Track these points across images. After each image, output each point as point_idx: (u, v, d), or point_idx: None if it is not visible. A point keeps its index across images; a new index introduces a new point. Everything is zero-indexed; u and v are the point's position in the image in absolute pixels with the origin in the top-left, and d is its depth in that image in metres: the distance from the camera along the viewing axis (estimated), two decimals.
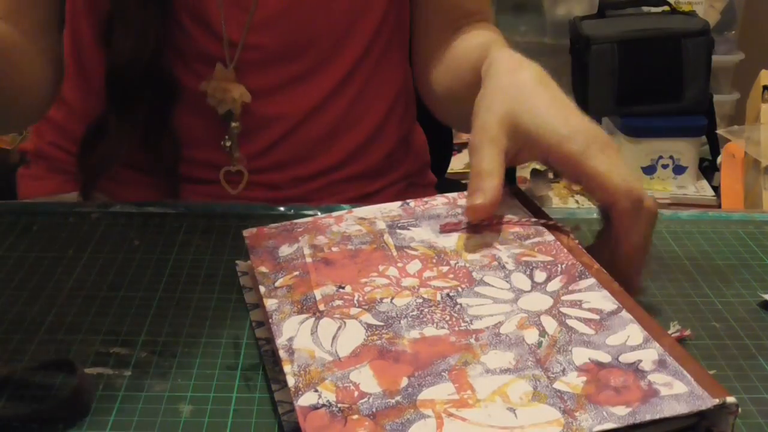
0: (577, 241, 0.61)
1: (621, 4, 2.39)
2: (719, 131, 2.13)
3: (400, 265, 0.60)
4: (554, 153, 0.62)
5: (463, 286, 0.57)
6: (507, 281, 0.58)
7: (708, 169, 2.37)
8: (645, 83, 2.24)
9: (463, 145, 2.33)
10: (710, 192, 2.30)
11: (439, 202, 0.68)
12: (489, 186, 0.61)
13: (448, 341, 0.52)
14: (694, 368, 0.48)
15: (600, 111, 2.32)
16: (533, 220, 0.64)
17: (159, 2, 0.81)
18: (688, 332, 0.58)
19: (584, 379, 0.48)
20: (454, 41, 0.86)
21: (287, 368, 0.51)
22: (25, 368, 0.54)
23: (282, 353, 0.53)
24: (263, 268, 0.61)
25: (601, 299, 0.55)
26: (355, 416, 0.46)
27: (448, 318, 0.54)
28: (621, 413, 0.45)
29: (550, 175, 2.21)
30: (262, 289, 0.59)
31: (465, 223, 0.64)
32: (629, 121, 2.29)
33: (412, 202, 0.68)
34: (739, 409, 0.46)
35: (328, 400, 0.48)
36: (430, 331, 0.53)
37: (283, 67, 0.86)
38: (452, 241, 0.63)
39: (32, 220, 0.76)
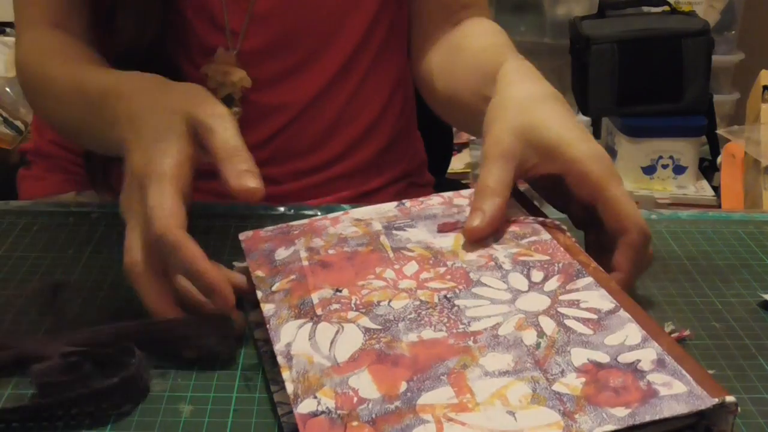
0: (573, 239, 0.61)
1: (621, 4, 2.39)
2: (719, 131, 2.13)
3: (396, 266, 0.60)
4: (576, 169, 0.61)
5: (461, 287, 0.57)
6: (504, 281, 0.57)
7: (708, 169, 2.37)
8: (645, 83, 2.24)
9: (464, 145, 2.33)
10: (710, 192, 2.30)
11: (435, 201, 0.68)
12: (489, 207, 0.61)
13: (447, 344, 0.52)
14: (693, 368, 0.48)
15: (600, 111, 2.32)
16: (530, 218, 0.63)
17: None
18: (687, 332, 0.58)
19: (583, 380, 0.48)
20: (456, 37, 0.86)
21: (286, 374, 0.51)
22: (77, 352, 0.54)
23: (280, 359, 0.52)
24: (260, 272, 0.61)
25: (599, 298, 0.55)
26: (355, 422, 0.46)
27: (446, 320, 0.54)
28: (620, 414, 0.45)
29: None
30: (259, 293, 0.59)
31: (462, 223, 0.64)
32: (629, 121, 2.29)
33: (407, 202, 0.68)
34: (739, 409, 0.45)
35: (327, 407, 0.48)
36: (428, 333, 0.53)
37: (282, 56, 0.87)
38: (449, 241, 0.62)
39: (32, 220, 0.76)
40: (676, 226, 0.77)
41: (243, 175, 0.59)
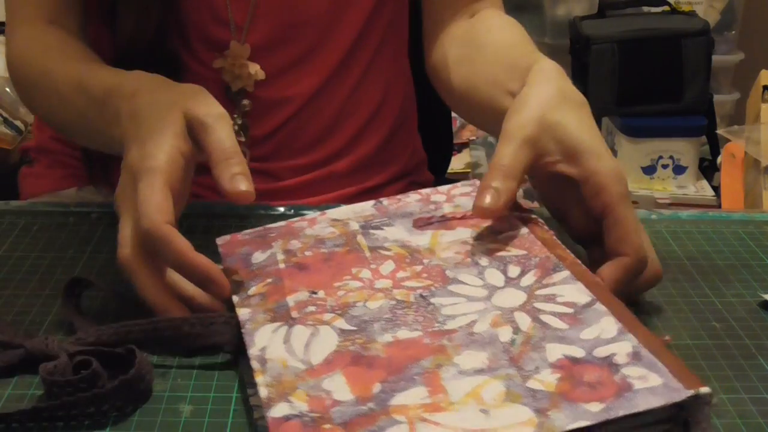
0: (551, 233, 0.61)
1: (621, 4, 2.39)
2: (719, 131, 2.13)
3: (373, 266, 0.60)
4: (596, 181, 0.60)
5: (437, 285, 0.57)
6: (480, 278, 0.57)
7: (708, 169, 2.37)
8: (645, 83, 2.24)
9: (464, 145, 2.33)
10: (710, 192, 2.30)
11: (412, 199, 0.67)
12: (504, 188, 0.60)
13: (422, 343, 0.52)
14: (669, 359, 0.47)
15: (600, 111, 2.32)
16: (508, 213, 0.63)
17: None
18: (667, 337, 0.57)
19: (558, 375, 0.47)
20: (475, 30, 0.85)
21: (259, 379, 0.51)
22: (85, 351, 0.54)
23: (254, 363, 0.52)
24: (237, 277, 0.61)
25: (576, 292, 0.54)
26: (328, 425, 0.46)
27: (421, 319, 0.54)
28: (595, 410, 0.45)
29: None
30: (235, 298, 0.59)
31: (437, 219, 0.63)
32: (629, 121, 2.29)
33: (385, 201, 0.68)
34: (714, 399, 0.45)
35: (300, 410, 0.48)
36: (403, 333, 0.53)
37: (283, 49, 0.87)
38: (426, 239, 0.62)
39: (32, 220, 0.76)
40: (676, 226, 0.77)
41: (236, 177, 0.59)
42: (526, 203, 0.64)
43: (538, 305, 0.54)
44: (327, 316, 0.55)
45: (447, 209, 0.66)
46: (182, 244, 0.57)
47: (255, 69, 0.86)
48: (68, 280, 0.61)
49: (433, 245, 0.61)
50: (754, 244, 0.74)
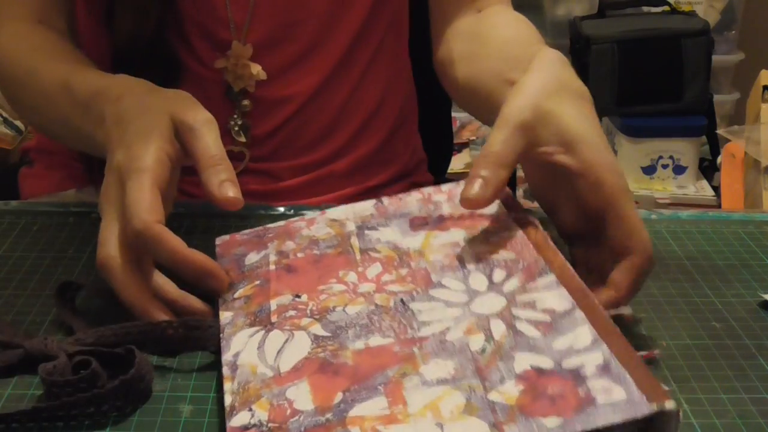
0: (546, 234, 0.59)
1: (621, 4, 2.39)
2: (719, 131, 2.13)
3: (360, 269, 0.60)
4: (594, 174, 0.57)
5: (419, 289, 0.56)
6: (464, 282, 0.56)
7: (708, 169, 2.37)
8: (645, 83, 2.24)
9: (464, 145, 2.33)
10: (710, 192, 2.30)
11: (413, 198, 0.67)
12: (493, 176, 0.57)
13: (391, 351, 0.51)
14: (640, 372, 0.46)
15: (600, 111, 2.31)
16: (505, 213, 0.62)
17: None
18: (657, 352, 0.56)
19: (521, 387, 0.47)
20: (481, 26, 0.84)
21: (227, 386, 0.51)
22: (84, 351, 0.54)
23: (225, 369, 0.52)
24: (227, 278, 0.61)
25: (557, 298, 0.53)
26: None
27: (396, 325, 0.53)
28: (551, 425, 0.44)
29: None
30: (220, 301, 0.59)
31: (434, 219, 0.63)
32: (629, 121, 2.29)
33: (386, 200, 0.67)
34: (681, 416, 0.44)
35: (260, 420, 0.48)
36: (375, 341, 0.52)
37: (284, 48, 0.87)
38: (418, 240, 0.62)
39: (32, 220, 0.76)
40: (676, 226, 0.77)
41: (224, 184, 0.60)
42: (526, 203, 0.63)
43: (516, 312, 0.53)
44: (305, 321, 0.55)
45: (446, 209, 0.65)
46: (176, 241, 0.57)
47: (257, 69, 0.86)
48: (58, 285, 0.61)
49: (424, 247, 0.61)
50: (754, 244, 0.74)
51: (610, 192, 0.57)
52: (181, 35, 0.85)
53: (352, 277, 0.59)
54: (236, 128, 0.87)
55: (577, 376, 0.47)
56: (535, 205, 0.67)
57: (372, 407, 0.47)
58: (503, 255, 0.58)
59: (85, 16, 0.88)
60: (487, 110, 0.75)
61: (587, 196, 0.58)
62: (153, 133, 0.61)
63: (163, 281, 0.59)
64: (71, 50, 0.81)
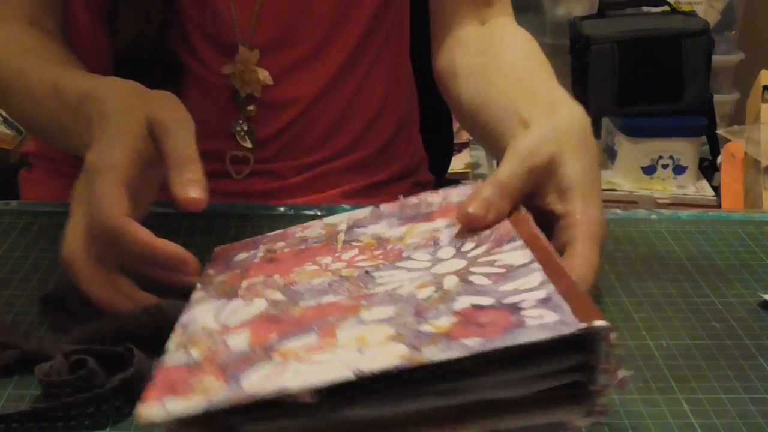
0: (529, 215, 0.58)
1: (621, 4, 2.39)
2: (719, 131, 2.13)
3: (337, 254, 0.59)
4: (572, 219, 0.59)
5: (386, 263, 0.56)
6: (432, 255, 0.55)
7: (708, 169, 2.37)
8: (645, 83, 2.24)
9: (464, 145, 2.33)
10: (710, 192, 2.30)
11: (410, 202, 0.66)
12: (497, 204, 0.58)
13: (340, 305, 0.50)
14: (580, 302, 0.44)
15: (600, 111, 2.32)
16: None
17: None
18: (622, 376, 0.46)
19: (454, 320, 0.45)
20: (489, 41, 0.83)
21: (173, 338, 0.50)
22: (80, 349, 0.54)
23: (177, 327, 0.52)
24: (211, 271, 0.61)
25: (518, 256, 0.51)
26: (206, 366, 0.46)
27: (353, 288, 0.52)
28: (471, 344, 0.42)
29: None
30: (198, 285, 0.58)
31: (423, 215, 0.62)
32: (629, 121, 2.29)
33: (383, 206, 0.66)
34: (613, 335, 0.41)
35: (193, 359, 0.47)
36: (327, 299, 0.51)
37: (288, 51, 0.87)
38: (402, 230, 0.61)
39: (32, 220, 0.76)
40: (676, 226, 0.77)
41: (188, 184, 0.59)
42: None
43: (474, 269, 0.51)
44: (268, 291, 0.54)
45: (437, 207, 0.64)
46: (143, 232, 0.57)
47: (264, 75, 0.85)
48: (40, 299, 0.61)
49: (405, 234, 0.60)
50: (754, 244, 0.74)
51: (577, 233, 0.58)
52: (184, 38, 0.85)
53: (327, 260, 0.58)
54: (242, 133, 0.87)
55: (513, 307, 0.45)
56: None
57: (301, 342, 0.46)
58: (480, 233, 0.57)
59: (86, 17, 0.87)
60: (487, 134, 0.74)
61: (557, 236, 0.59)
62: (125, 132, 0.61)
63: (128, 284, 0.59)
64: (61, 52, 0.80)
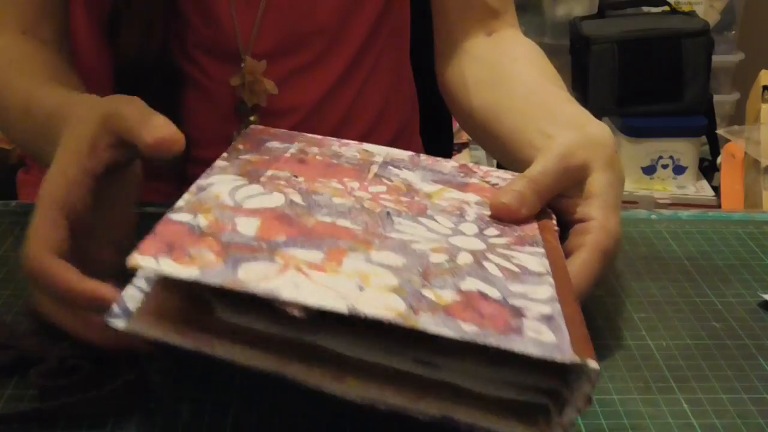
0: (555, 224, 0.59)
1: (621, 4, 2.39)
2: (719, 131, 2.14)
3: (366, 183, 0.59)
4: (588, 225, 0.59)
5: (410, 213, 0.55)
6: (455, 225, 0.55)
7: (708, 169, 2.37)
8: (645, 83, 2.24)
9: (464, 145, 2.33)
10: (710, 192, 2.30)
11: (449, 164, 0.66)
12: (530, 198, 0.58)
13: (353, 233, 0.50)
14: (580, 334, 0.44)
15: (600, 111, 2.32)
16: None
17: None
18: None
19: (457, 299, 0.45)
20: (498, 54, 0.83)
21: (185, 196, 0.50)
22: (77, 353, 0.54)
23: (192, 187, 0.52)
24: (240, 146, 0.61)
25: (536, 262, 0.51)
26: (209, 238, 0.45)
27: (370, 222, 0.52)
28: (467, 329, 0.42)
29: None
30: (224, 155, 0.58)
31: (458, 183, 0.62)
32: (629, 121, 2.29)
33: (423, 156, 0.66)
34: (596, 380, 0.42)
35: (198, 224, 0.47)
36: (343, 222, 0.51)
37: (289, 60, 0.87)
38: (433, 188, 0.61)
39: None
40: (676, 226, 0.77)
41: (158, 127, 0.55)
42: None
43: (490, 256, 0.51)
44: (289, 190, 0.54)
45: (474, 181, 0.64)
46: (60, 270, 0.52)
47: (270, 85, 0.85)
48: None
49: (435, 194, 0.60)
50: (754, 244, 0.74)
51: (588, 241, 0.57)
52: (185, 48, 0.85)
53: (354, 184, 0.58)
54: None
55: (517, 311, 0.45)
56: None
57: (307, 255, 0.46)
58: (506, 224, 0.57)
59: (86, 27, 0.87)
60: (504, 146, 0.73)
61: (569, 242, 0.59)
62: (69, 147, 0.56)
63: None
64: (47, 64, 0.77)
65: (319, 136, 0.67)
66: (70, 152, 0.57)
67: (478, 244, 0.53)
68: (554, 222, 0.60)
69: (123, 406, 0.52)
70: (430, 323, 0.42)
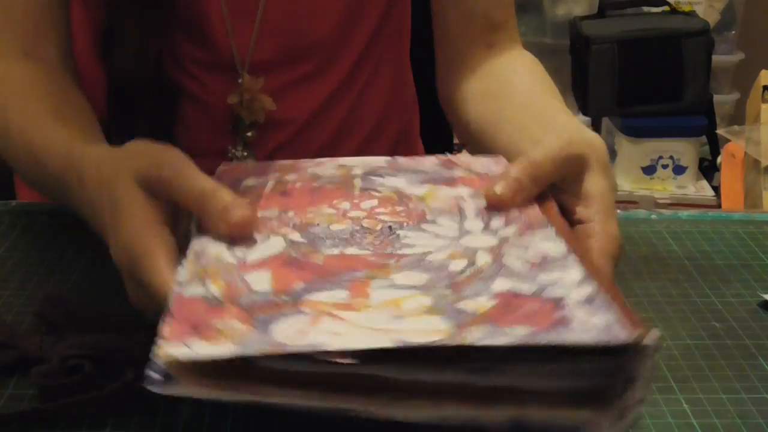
0: (554, 203, 0.58)
1: (621, 4, 2.39)
2: (719, 131, 2.14)
3: (356, 201, 0.57)
4: (588, 228, 0.58)
5: (410, 222, 0.55)
6: (459, 224, 0.54)
7: (708, 169, 2.37)
8: (645, 83, 2.24)
9: (463, 146, 2.33)
10: (710, 192, 2.30)
11: (429, 160, 0.65)
12: (527, 184, 0.57)
13: (366, 260, 0.49)
14: (624, 309, 0.43)
15: (600, 111, 2.33)
16: None
17: (158, 15, 0.80)
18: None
19: (494, 303, 0.44)
20: (500, 68, 0.82)
21: (185, 265, 0.48)
22: (78, 354, 0.54)
23: (189, 253, 0.50)
24: None
25: (553, 246, 0.51)
26: (230, 306, 0.44)
27: (377, 243, 0.51)
28: (518, 332, 0.41)
29: None
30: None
31: (444, 178, 0.61)
32: (629, 121, 2.29)
33: (400, 158, 0.65)
34: (656, 354, 0.41)
35: (212, 294, 0.45)
36: (351, 251, 0.50)
37: (286, 71, 0.86)
38: (422, 190, 0.60)
39: (32, 220, 0.76)
40: (676, 226, 0.77)
41: (227, 210, 0.52)
42: None
43: (507, 250, 0.50)
44: (285, 230, 0.53)
45: (459, 174, 0.63)
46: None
47: (268, 101, 0.85)
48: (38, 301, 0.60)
49: (427, 195, 0.59)
50: (754, 244, 0.74)
51: (598, 247, 0.56)
52: (180, 62, 0.84)
53: (345, 205, 0.57)
54: (240, 158, 0.86)
55: (557, 302, 0.44)
56: None
57: (331, 296, 0.45)
58: (507, 211, 0.56)
59: (82, 45, 0.85)
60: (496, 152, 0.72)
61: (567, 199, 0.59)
62: (130, 214, 0.53)
63: None
64: (48, 94, 0.74)
65: (290, 161, 0.65)
66: (137, 212, 0.53)
67: (490, 240, 0.52)
68: (551, 199, 0.58)
69: (123, 406, 0.52)
70: (479, 337, 0.41)
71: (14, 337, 0.57)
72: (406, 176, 0.62)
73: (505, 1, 0.86)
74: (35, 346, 0.54)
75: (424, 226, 0.54)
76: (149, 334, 0.55)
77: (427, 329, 0.42)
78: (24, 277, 0.67)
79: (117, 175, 0.55)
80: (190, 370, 0.42)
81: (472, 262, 0.49)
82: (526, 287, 0.46)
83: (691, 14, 2.35)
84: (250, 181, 0.62)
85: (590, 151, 0.61)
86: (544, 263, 0.49)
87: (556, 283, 0.46)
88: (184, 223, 0.55)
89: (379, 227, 0.54)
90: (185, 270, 0.49)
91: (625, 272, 0.69)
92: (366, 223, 0.54)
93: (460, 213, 0.56)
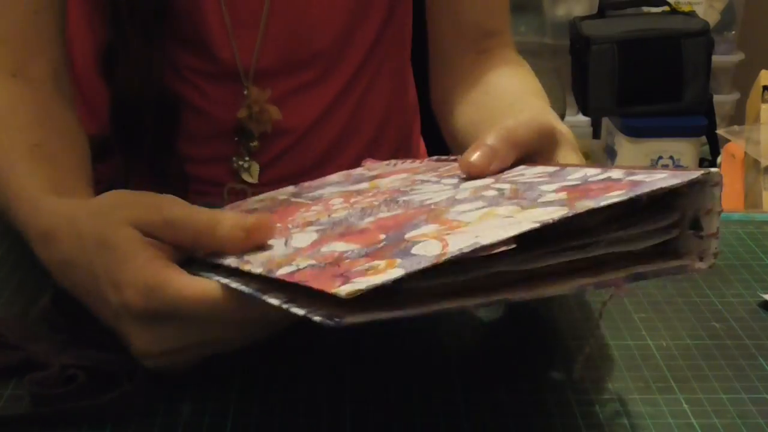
0: None
1: (621, 4, 2.39)
2: (719, 131, 2.13)
3: (321, 206, 0.54)
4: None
5: (397, 194, 0.53)
6: (438, 184, 0.53)
7: None
8: (645, 83, 2.24)
9: None
10: None
11: (333, 178, 0.64)
12: (502, 151, 0.55)
13: (407, 213, 0.47)
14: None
15: (600, 111, 2.33)
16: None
17: (161, 30, 0.80)
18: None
19: (565, 194, 0.45)
20: (485, 74, 0.82)
21: (247, 267, 0.45)
22: (79, 365, 0.54)
23: (233, 261, 0.46)
24: None
25: (542, 168, 0.52)
26: (346, 260, 0.41)
27: (397, 207, 0.50)
28: (617, 197, 0.43)
29: None
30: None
31: (368, 177, 0.61)
32: (629, 121, 2.29)
33: (305, 183, 0.65)
34: (721, 180, 0.44)
35: (318, 264, 0.42)
36: (385, 214, 0.48)
37: (288, 79, 0.86)
38: (364, 185, 0.58)
39: None
40: None
41: (240, 220, 0.50)
42: None
43: (510, 177, 0.51)
44: (295, 230, 0.50)
45: (376, 172, 0.62)
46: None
47: (275, 111, 0.85)
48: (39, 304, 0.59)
49: (373, 186, 0.57)
50: (754, 244, 0.74)
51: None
52: (182, 73, 0.84)
53: (318, 207, 0.54)
54: (244, 167, 0.86)
55: (611, 179, 0.46)
56: None
57: (427, 230, 0.43)
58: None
59: (85, 63, 0.85)
60: None
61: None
62: (132, 262, 0.50)
63: None
64: (30, 124, 0.70)
65: (263, 195, 0.65)
66: (141, 258, 0.50)
67: (486, 181, 0.52)
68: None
69: (118, 415, 0.51)
70: (590, 203, 0.42)
71: (26, 338, 0.56)
72: (333, 186, 0.61)
73: (497, 10, 0.85)
74: (42, 350, 0.54)
75: (415, 187, 0.53)
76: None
77: (542, 215, 0.42)
78: (24, 277, 0.67)
79: (107, 226, 0.52)
80: (363, 303, 0.39)
81: (499, 190, 0.48)
82: (570, 181, 0.47)
83: (691, 14, 2.35)
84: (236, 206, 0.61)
85: (561, 129, 0.61)
86: (554, 174, 0.50)
87: (587, 175, 0.48)
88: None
89: (377, 203, 0.51)
90: (256, 265, 0.45)
91: None
92: (364, 203, 0.52)
93: (425, 180, 0.55)
